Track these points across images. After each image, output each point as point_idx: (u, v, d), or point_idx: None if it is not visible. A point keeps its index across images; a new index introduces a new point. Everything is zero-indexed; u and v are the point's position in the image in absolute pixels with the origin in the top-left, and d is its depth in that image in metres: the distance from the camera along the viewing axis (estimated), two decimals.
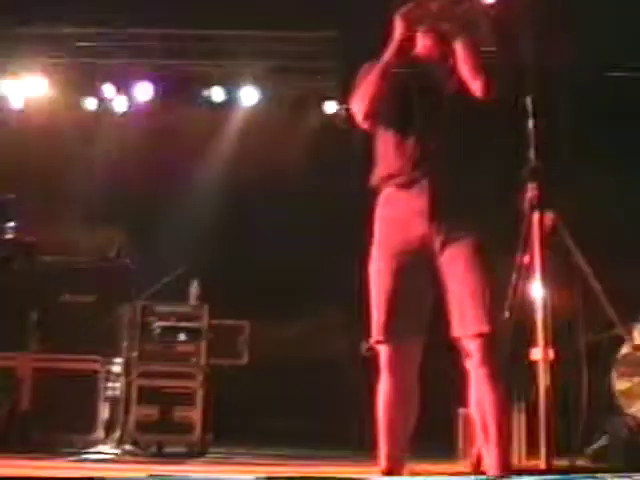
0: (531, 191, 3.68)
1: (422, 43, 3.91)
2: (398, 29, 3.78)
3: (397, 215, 3.76)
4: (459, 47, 3.73)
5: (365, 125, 3.85)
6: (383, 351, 3.75)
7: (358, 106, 3.84)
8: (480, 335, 3.57)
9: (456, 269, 3.64)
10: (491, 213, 3.73)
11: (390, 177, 3.79)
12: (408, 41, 3.82)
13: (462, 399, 3.82)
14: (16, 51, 9.23)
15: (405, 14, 3.76)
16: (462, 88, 3.73)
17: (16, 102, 9.47)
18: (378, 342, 3.74)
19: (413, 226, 3.71)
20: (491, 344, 3.58)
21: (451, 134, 3.71)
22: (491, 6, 4.17)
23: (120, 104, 9.63)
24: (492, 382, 3.56)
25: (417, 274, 3.72)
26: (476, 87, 3.67)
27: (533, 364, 3.80)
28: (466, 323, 3.60)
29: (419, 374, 3.77)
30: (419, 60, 3.92)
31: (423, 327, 3.75)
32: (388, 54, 3.79)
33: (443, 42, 3.80)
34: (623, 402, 6.28)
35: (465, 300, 3.61)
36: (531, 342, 3.85)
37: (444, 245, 3.66)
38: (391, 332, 3.70)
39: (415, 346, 3.76)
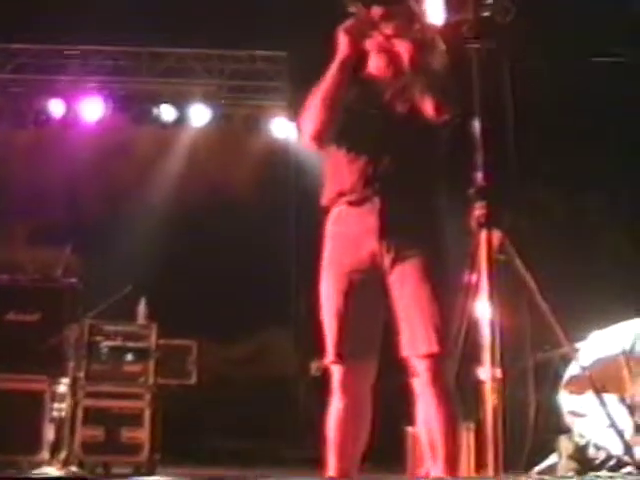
0: (478, 210, 3.69)
1: (374, 62, 3.91)
2: (341, 44, 3.77)
3: (347, 233, 3.75)
4: (410, 68, 3.73)
5: (312, 146, 3.84)
6: (336, 371, 3.73)
7: (305, 127, 3.82)
8: (430, 355, 3.57)
9: (405, 288, 3.63)
10: (441, 232, 3.73)
11: (341, 195, 3.78)
12: (356, 58, 3.81)
13: (410, 418, 3.81)
14: None
15: (347, 29, 3.73)
16: (413, 108, 3.73)
17: None
18: (331, 362, 3.72)
19: (363, 244, 3.69)
20: (440, 364, 3.58)
21: (402, 153, 3.71)
22: (441, 28, 4.19)
23: (68, 121, 9.56)
24: (441, 401, 3.56)
25: (368, 293, 3.70)
26: (428, 109, 3.67)
27: (481, 383, 3.80)
28: (416, 343, 3.59)
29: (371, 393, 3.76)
30: (371, 79, 3.91)
31: (376, 347, 3.74)
32: (332, 70, 3.77)
33: (395, 62, 3.79)
34: (571, 421, 6.31)
35: (415, 320, 3.60)
36: (479, 361, 3.85)
37: (394, 263, 3.65)
38: (344, 352, 3.68)
39: (368, 366, 3.75)
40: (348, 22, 3.74)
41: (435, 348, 3.55)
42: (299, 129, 3.91)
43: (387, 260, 3.67)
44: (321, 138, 3.80)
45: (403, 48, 3.73)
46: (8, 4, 7.89)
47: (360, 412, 3.72)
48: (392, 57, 3.80)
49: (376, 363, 3.74)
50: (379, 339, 3.72)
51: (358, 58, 3.85)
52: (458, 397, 3.65)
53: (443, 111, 3.65)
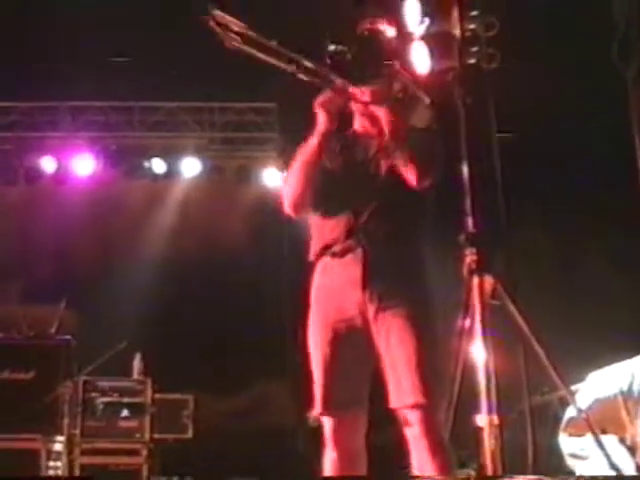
0: (469, 256, 3.69)
1: (359, 122, 3.94)
2: (319, 118, 3.77)
3: (332, 284, 3.76)
4: (390, 135, 3.73)
5: (291, 214, 3.86)
6: (326, 422, 3.72)
7: (285, 194, 3.85)
8: (417, 406, 3.56)
9: (389, 339, 3.63)
10: (424, 280, 3.74)
11: (326, 248, 3.80)
12: (334, 128, 3.81)
13: (406, 466, 3.78)
14: None
15: (323, 103, 3.73)
16: (396, 168, 3.73)
17: None
18: (320, 414, 3.71)
19: (347, 294, 3.70)
20: (429, 414, 3.56)
21: (384, 204, 3.73)
22: (427, 76, 4.23)
23: (60, 177, 9.58)
24: (432, 451, 3.54)
25: (354, 343, 3.70)
26: (411, 179, 3.69)
27: (479, 429, 3.78)
28: (402, 394, 3.58)
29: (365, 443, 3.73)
30: (356, 136, 3.94)
31: (364, 397, 3.73)
32: (309, 147, 3.77)
33: (377, 122, 3.81)
34: (571, 463, 6.27)
35: (400, 371, 3.59)
36: (475, 407, 3.84)
37: (377, 314, 3.65)
38: (332, 403, 3.67)
39: (357, 417, 3.73)
40: (324, 95, 3.74)
41: (421, 399, 3.54)
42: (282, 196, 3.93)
43: (371, 310, 3.67)
44: (298, 207, 3.85)
45: (382, 113, 3.74)
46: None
47: (353, 462, 3.70)
48: (374, 119, 3.83)
49: (365, 412, 3.73)
50: (367, 389, 3.71)
51: (343, 118, 3.87)
52: (450, 446, 3.63)
53: (425, 182, 3.68)
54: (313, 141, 3.78)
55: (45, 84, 8.67)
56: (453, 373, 3.79)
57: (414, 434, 3.58)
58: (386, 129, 3.72)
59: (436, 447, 3.56)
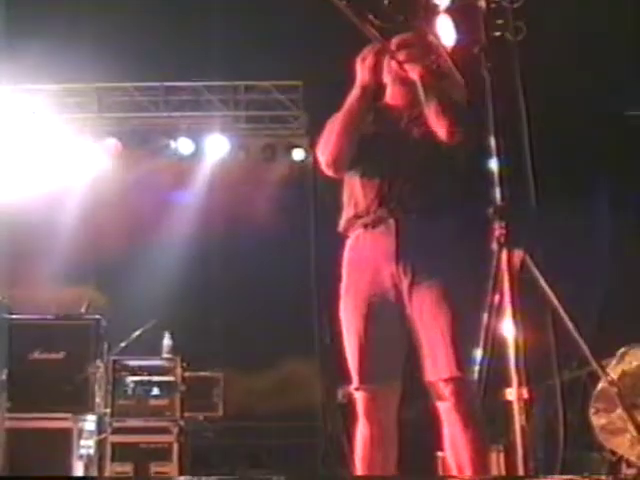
0: (498, 230, 3.67)
1: (390, 92, 3.94)
2: (359, 73, 3.80)
3: (364, 258, 3.75)
4: (425, 94, 3.74)
5: (329, 172, 3.86)
6: (360, 397, 3.71)
7: (322, 154, 3.85)
8: (452, 379, 3.55)
9: (424, 313, 3.62)
10: (457, 253, 3.72)
11: (356, 217, 3.79)
12: (374, 86, 3.84)
13: (439, 442, 3.78)
14: None
15: (365, 57, 3.79)
16: (428, 133, 3.74)
17: None
18: (355, 389, 3.71)
19: (381, 268, 3.69)
20: (464, 387, 3.55)
21: (416, 174, 3.72)
22: (453, 49, 4.20)
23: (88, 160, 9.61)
24: (466, 425, 3.54)
25: (389, 317, 3.69)
26: (441, 133, 3.69)
27: (508, 404, 3.77)
28: (438, 367, 3.57)
29: (397, 418, 3.73)
30: (387, 108, 3.94)
31: (399, 371, 3.72)
32: (350, 100, 3.81)
33: (410, 91, 3.82)
34: (602, 438, 6.25)
35: (435, 344, 3.59)
36: (505, 382, 3.82)
37: (411, 287, 3.64)
38: (367, 378, 3.67)
39: (392, 391, 3.73)
40: (365, 51, 3.78)
41: (457, 372, 3.54)
42: (317, 156, 3.94)
43: (405, 283, 3.66)
44: (337, 164, 3.83)
45: (416, 73, 3.76)
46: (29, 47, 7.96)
47: (386, 437, 3.71)
48: (407, 86, 3.84)
49: (400, 387, 3.73)
50: (402, 363, 3.71)
51: (376, 89, 3.88)
52: (484, 419, 3.63)
53: (456, 134, 3.67)
54: (353, 94, 3.80)
55: (70, 66, 8.68)
56: (483, 347, 3.79)
57: (448, 407, 3.58)
58: (419, 87, 3.72)
59: (469, 420, 3.56)
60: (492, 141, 3.77)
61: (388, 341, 3.68)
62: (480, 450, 3.58)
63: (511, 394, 3.53)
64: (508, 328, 3.83)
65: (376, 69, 3.82)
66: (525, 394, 3.53)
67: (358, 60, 3.82)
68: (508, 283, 3.77)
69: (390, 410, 3.73)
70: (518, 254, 3.76)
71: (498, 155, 3.75)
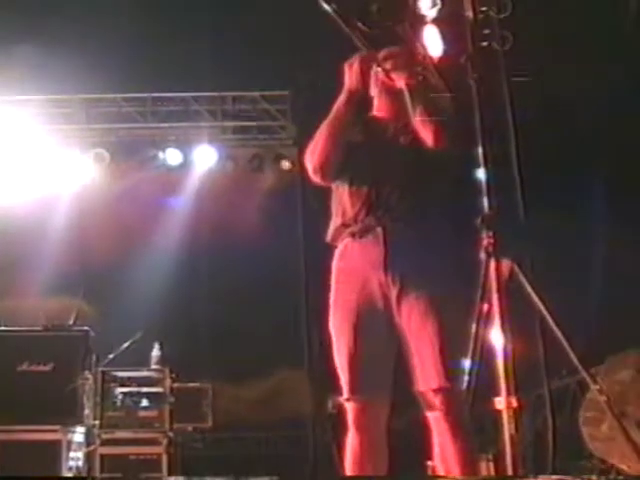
0: (486, 239, 3.68)
1: (377, 103, 3.95)
2: (346, 79, 3.82)
3: (353, 267, 3.75)
4: (411, 102, 3.76)
5: (317, 179, 3.86)
6: (350, 408, 3.71)
7: (309, 161, 3.86)
8: (441, 389, 3.55)
9: (413, 322, 3.62)
10: (445, 261, 3.73)
11: (344, 226, 3.80)
12: (361, 91, 3.86)
13: (427, 452, 3.78)
14: None
15: (352, 64, 3.82)
16: (415, 140, 3.75)
17: None
18: (346, 400, 3.70)
19: (369, 277, 3.69)
20: (453, 397, 3.56)
21: (403, 182, 3.73)
22: (440, 59, 4.21)
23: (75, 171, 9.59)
24: (455, 434, 3.54)
25: (378, 327, 3.69)
26: (428, 139, 3.70)
27: (497, 413, 3.77)
28: (427, 377, 3.58)
29: (387, 428, 3.73)
30: (375, 119, 3.96)
31: (389, 382, 3.72)
32: (337, 105, 3.83)
33: (396, 101, 3.83)
34: (592, 446, 6.26)
35: (424, 354, 3.59)
36: (494, 391, 3.83)
37: (400, 297, 3.64)
38: (357, 389, 3.67)
39: (382, 401, 3.73)
40: (353, 58, 3.80)
41: (446, 382, 3.54)
42: (305, 164, 3.94)
43: (394, 292, 3.66)
44: (324, 171, 3.83)
45: (402, 81, 3.78)
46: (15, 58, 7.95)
47: (377, 447, 3.70)
48: (393, 96, 3.85)
49: (390, 398, 3.73)
50: (391, 373, 3.71)
51: (362, 95, 3.90)
52: (473, 429, 3.63)
53: (442, 140, 3.68)
54: (340, 100, 3.82)
55: (57, 78, 8.67)
56: (472, 357, 3.79)
57: (437, 417, 3.58)
58: (405, 95, 3.74)
59: (458, 430, 3.56)
60: (479, 150, 3.78)
61: (377, 352, 3.67)
62: (469, 459, 3.58)
63: (500, 403, 3.53)
64: (497, 337, 3.83)
65: (363, 75, 3.83)
66: (514, 403, 3.54)
67: (345, 66, 3.85)
68: (496, 292, 3.78)
69: (380, 420, 3.72)
70: (506, 263, 3.77)
71: (485, 164, 3.77)
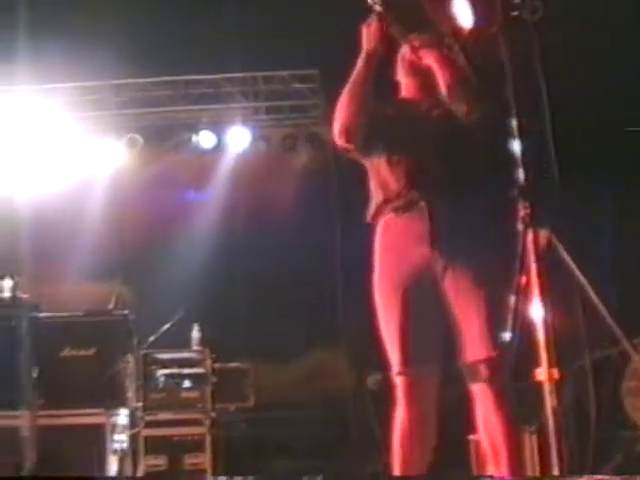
0: (523, 210, 3.65)
1: (405, 85, 3.94)
2: (364, 40, 3.81)
3: (397, 242, 3.75)
4: (441, 76, 3.74)
5: (341, 142, 3.85)
6: (401, 382, 3.71)
7: (335, 124, 3.85)
8: (487, 360, 3.55)
9: (459, 295, 3.62)
10: (488, 233, 3.71)
11: (387, 202, 3.79)
12: (380, 51, 3.83)
13: (471, 426, 3.78)
14: None
15: (370, 24, 3.81)
16: (448, 112, 3.74)
17: None
18: (397, 374, 3.71)
19: (415, 252, 3.69)
20: (498, 367, 3.55)
21: (442, 155, 3.72)
22: (470, 30, 4.18)
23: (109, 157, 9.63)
24: (500, 404, 3.54)
25: (425, 300, 3.69)
26: (460, 110, 3.68)
27: (539, 385, 3.76)
28: (474, 348, 3.58)
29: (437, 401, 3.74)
30: (405, 102, 3.94)
31: (439, 354, 3.73)
32: (358, 65, 3.82)
33: (425, 81, 3.82)
34: (635, 417, 6.22)
35: (471, 325, 3.59)
36: (536, 363, 3.81)
37: (445, 270, 3.64)
38: (408, 362, 3.68)
39: (433, 374, 3.74)
40: (370, 18, 3.80)
41: (492, 352, 3.53)
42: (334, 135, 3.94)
43: (439, 265, 3.66)
44: (349, 133, 3.82)
45: (431, 58, 3.76)
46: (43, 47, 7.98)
47: (426, 421, 3.72)
48: (421, 76, 3.84)
49: (440, 370, 3.73)
50: (441, 345, 3.71)
51: (382, 61, 3.88)
52: (515, 400, 3.62)
53: (474, 111, 3.66)
54: (361, 61, 3.81)
55: (86, 64, 8.69)
56: (512, 329, 3.78)
57: (481, 388, 3.58)
58: (435, 71, 3.72)
59: (503, 400, 3.56)
60: (514, 121, 3.75)
61: (426, 324, 3.68)
62: (513, 429, 3.58)
63: (541, 374, 3.52)
64: (537, 309, 3.82)
65: (382, 34, 3.81)
66: (555, 374, 3.52)
67: (363, 27, 3.83)
68: (535, 264, 3.75)
69: (430, 394, 3.73)
70: (544, 234, 3.75)
71: (520, 135, 3.74)
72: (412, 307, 3.70)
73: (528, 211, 3.68)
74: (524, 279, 3.85)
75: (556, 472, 3.66)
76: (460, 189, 3.70)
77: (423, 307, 3.70)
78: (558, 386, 3.47)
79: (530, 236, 3.78)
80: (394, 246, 3.78)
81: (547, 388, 3.45)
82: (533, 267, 3.75)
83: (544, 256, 3.82)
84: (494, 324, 3.58)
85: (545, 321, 3.75)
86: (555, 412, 3.41)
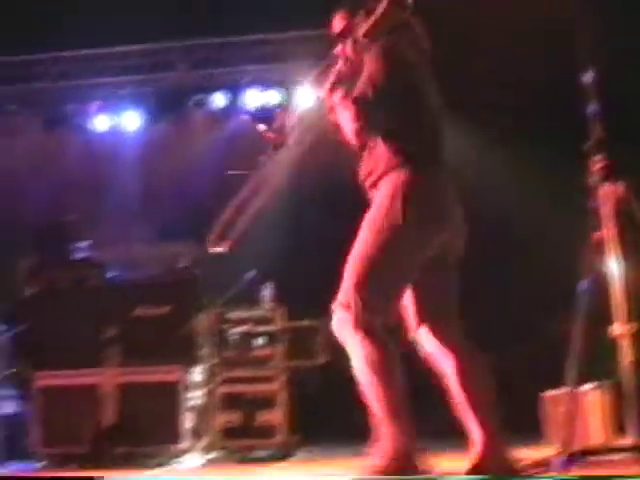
0: (597, 164, 3.60)
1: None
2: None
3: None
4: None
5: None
6: None
7: None
8: None
9: None
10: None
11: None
12: None
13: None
14: None
15: None
16: None
17: None
18: None
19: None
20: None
21: None
22: None
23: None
24: None
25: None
26: None
27: (615, 340, 3.72)
28: None
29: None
30: None
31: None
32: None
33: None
34: None
35: None
36: (612, 318, 3.77)
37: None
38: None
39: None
40: None
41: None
42: None
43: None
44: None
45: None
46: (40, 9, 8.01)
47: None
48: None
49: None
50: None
51: None
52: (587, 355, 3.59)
53: None
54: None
55: (88, 32, 8.70)
56: (585, 284, 3.74)
57: None
58: None
59: None
60: (588, 75, 3.69)
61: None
62: None
63: (618, 329, 3.49)
64: (611, 263, 3.77)
65: None
66: (633, 328, 3.49)
67: None
68: (611, 218, 3.70)
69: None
70: (620, 187, 3.69)
71: (594, 87, 3.68)
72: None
73: (603, 164, 3.63)
74: (599, 233, 3.80)
75: (633, 427, 3.64)
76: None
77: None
78: (636, 341, 3.44)
79: (605, 190, 3.73)
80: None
81: (624, 342, 3.43)
82: (609, 221, 3.70)
83: (619, 210, 3.77)
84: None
85: (620, 276, 3.71)
86: (633, 366, 3.39)
